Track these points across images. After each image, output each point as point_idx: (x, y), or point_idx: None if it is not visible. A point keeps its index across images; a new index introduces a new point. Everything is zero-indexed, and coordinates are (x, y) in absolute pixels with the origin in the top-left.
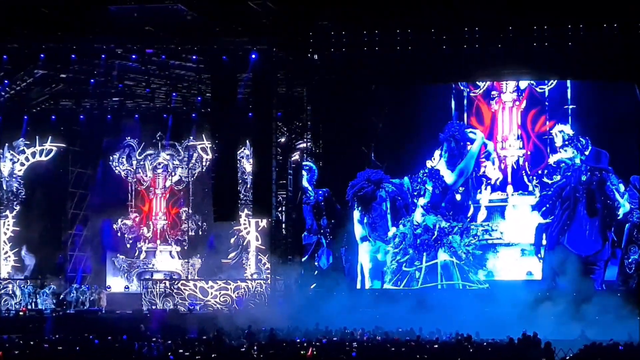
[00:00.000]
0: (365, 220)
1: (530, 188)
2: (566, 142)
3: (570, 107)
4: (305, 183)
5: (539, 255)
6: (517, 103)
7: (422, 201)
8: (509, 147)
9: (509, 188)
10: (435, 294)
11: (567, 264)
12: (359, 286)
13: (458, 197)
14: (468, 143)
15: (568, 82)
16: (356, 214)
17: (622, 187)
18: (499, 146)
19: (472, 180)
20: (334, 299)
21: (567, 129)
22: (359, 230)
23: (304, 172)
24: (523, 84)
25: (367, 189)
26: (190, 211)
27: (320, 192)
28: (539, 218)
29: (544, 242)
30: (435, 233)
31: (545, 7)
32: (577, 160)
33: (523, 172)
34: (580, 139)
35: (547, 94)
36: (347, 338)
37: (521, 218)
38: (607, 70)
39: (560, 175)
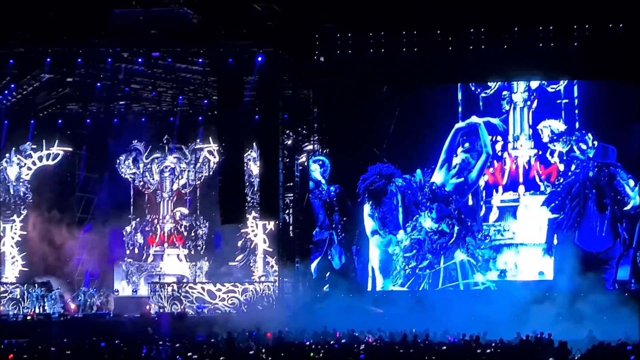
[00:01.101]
0: (375, 215)
1: (542, 188)
2: (554, 137)
3: (564, 101)
4: (318, 176)
5: (550, 254)
6: (529, 103)
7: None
8: (521, 147)
9: (521, 188)
10: (444, 295)
11: (578, 263)
12: (369, 287)
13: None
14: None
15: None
16: (367, 208)
17: (631, 182)
18: (510, 146)
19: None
20: (342, 301)
21: (556, 124)
22: (369, 224)
23: (316, 166)
24: (534, 84)
25: (379, 183)
26: (197, 214)
27: (332, 187)
28: (548, 214)
29: (555, 241)
30: (454, 236)
31: (552, 8)
32: (577, 153)
33: (535, 172)
34: (576, 133)
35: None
36: (355, 340)
37: (533, 218)
38: (614, 70)
39: (570, 171)
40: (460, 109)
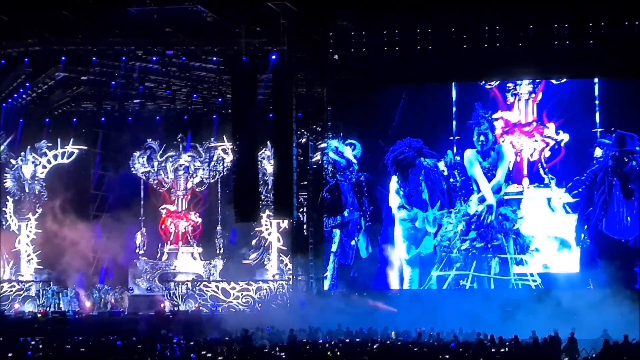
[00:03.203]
0: (401, 192)
1: (546, 180)
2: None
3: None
4: (350, 156)
5: (568, 247)
6: (533, 95)
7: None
8: (525, 139)
9: (525, 181)
10: (456, 293)
11: (605, 254)
12: (396, 278)
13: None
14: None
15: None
16: (393, 184)
17: None
18: (515, 139)
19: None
20: (355, 299)
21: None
22: (395, 200)
23: (348, 148)
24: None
25: (408, 153)
26: (211, 212)
27: (360, 173)
28: (569, 198)
29: (580, 233)
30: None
31: (559, 7)
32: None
33: (539, 164)
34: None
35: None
36: (369, 339)
37: (537, 210)
38: (618, 67)
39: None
40: (454, 109)
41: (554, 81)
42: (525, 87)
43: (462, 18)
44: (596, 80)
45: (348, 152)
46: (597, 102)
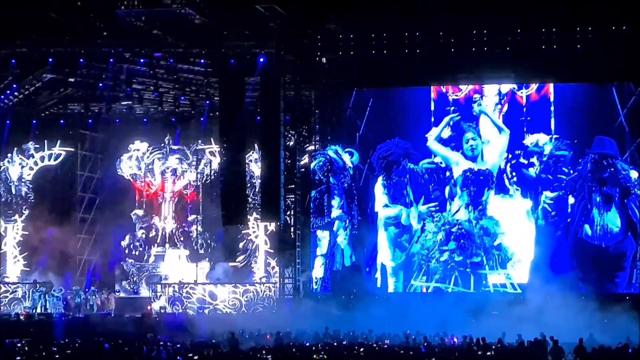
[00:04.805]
0: (385, 191)
1: (511, 192)
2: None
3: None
4: (348, 162)
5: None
6: (499, 107)
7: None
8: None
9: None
10: (445, 297)
11: (588, 261)
12: (379, 285)
13: None
14: None
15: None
16: (378, 185)
17: (635, 173)
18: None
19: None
20: (343, 302)
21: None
22: (381, 200)
23: (347, 155)
24: (505, 88)
25: (394, 151)
26: (199, 215)
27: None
28: (550, 194)
29: (556, 240)
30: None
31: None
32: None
33: (504, 175)
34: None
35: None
36: (356, 342)
37: (502, 221)
38: (588, 72)
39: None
40: (432, 119)
41: (519, 93)
42: (491, 98)
43: (448, 23)
44: (552, 88)
45: (346, 158)
46: (552, 108)
